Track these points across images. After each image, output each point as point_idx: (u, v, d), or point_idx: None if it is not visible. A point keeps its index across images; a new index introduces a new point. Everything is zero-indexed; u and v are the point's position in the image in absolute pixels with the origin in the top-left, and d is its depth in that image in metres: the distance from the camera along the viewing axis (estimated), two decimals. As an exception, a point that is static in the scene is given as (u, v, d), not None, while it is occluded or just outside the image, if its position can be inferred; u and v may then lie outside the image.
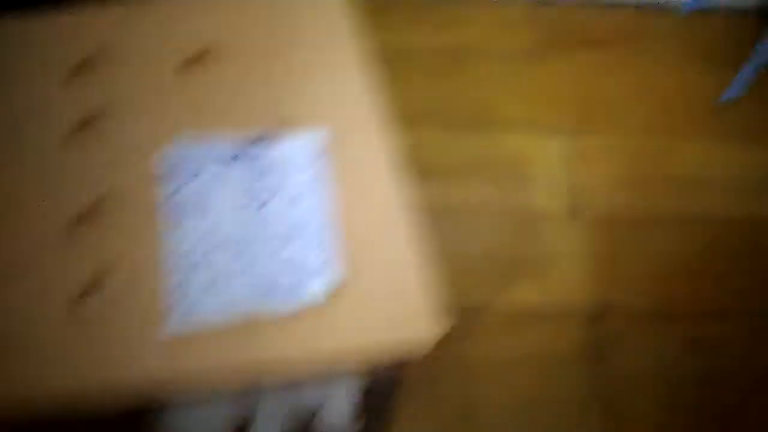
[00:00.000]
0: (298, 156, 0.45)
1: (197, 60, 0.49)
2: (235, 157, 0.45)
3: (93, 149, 0.46)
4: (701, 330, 1.24)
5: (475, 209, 1.34)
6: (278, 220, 0.44)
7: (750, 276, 1.33)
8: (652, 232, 1.36)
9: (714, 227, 1.38)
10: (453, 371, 1.10)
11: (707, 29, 1.67)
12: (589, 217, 1.37)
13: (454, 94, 1.51)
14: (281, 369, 0.40)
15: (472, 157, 1.39)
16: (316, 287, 0.42)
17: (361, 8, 0.61)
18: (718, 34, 1.67)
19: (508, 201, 1.34)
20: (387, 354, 0.42)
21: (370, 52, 0.53)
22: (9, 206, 0.42)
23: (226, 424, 0.79)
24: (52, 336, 0.39)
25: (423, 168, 1.37)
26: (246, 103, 0.48)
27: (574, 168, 1.43)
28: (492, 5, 1.62)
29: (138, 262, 0.42)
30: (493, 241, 1.30)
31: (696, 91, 1.60)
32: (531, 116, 1.50)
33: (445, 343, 0.97)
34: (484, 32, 1.58)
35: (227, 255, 0.43)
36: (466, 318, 1.16)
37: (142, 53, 0.47)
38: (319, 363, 0.40)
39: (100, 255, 0.42)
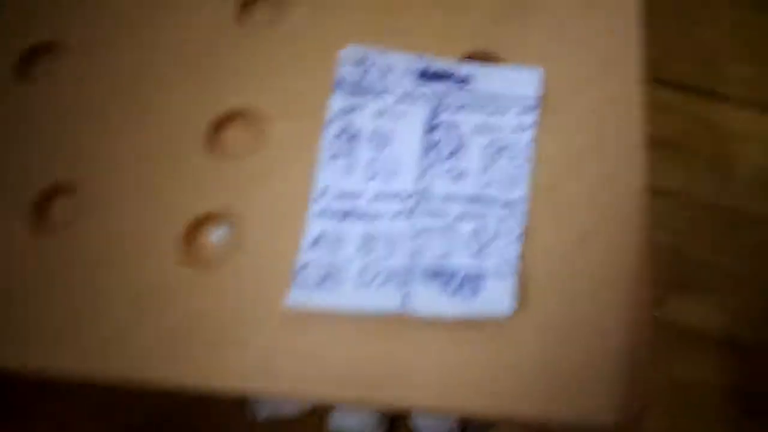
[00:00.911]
0: (509, 97, 0.37)
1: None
2: (430, 78, 0.38)
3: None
4: None
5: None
6: (472, 180, 0.35)
7: None
8: None
9: None
10: None
11: None
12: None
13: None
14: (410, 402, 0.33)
15: (669, 127, 1.04)
16: (501, 293, 0.33)
17: None
18: None
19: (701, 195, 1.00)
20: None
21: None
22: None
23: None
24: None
25: None
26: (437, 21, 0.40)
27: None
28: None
29: (277, 202, 0.37)
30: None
31: None
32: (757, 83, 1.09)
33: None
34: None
35: (390, 209, 0.35)
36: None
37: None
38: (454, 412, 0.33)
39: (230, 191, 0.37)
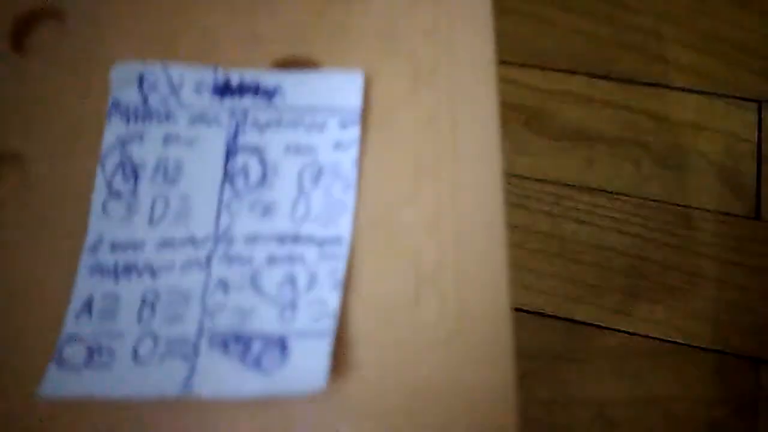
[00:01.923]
0: (326, 109, 0.30)
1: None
2: (229, 92, 0.30)
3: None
4: None
5: (604, 198, 0.92)
6: (283, 214, 0.29)
7: None
8: None
9: None
10: None
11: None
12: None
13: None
14: None
15: (618, 121, 0.96)
16: (312, 360, 0.25)
17: None
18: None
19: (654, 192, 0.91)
20: None
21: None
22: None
23: None
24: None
25: (546, 128, 0.97)
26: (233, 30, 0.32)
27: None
28: None
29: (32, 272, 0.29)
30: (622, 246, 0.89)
31: None
32: (709, 69, 1.00)
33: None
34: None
35: (179, 259, 0.28)
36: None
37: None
38: None
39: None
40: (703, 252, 0.90)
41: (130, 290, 0.28)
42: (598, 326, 0.87)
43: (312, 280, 0.27)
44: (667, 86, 1.01)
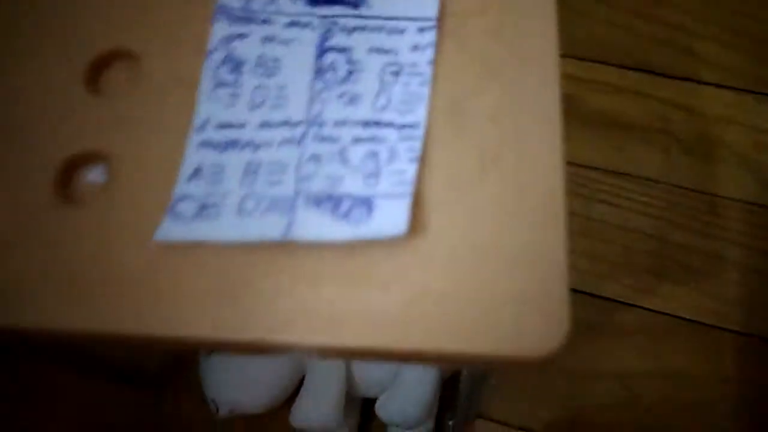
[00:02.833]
0: (406, 17, 0.34)
1: None
2: (321, 1, 0.35)
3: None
4: None
5: (632, 182, 0.96)
6: (366, 104, 0.33)
7: None
8: None
9: None
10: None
11: None
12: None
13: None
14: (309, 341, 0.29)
15: (648, 111, 1.00)
16: (394, 214, 0.30)
17: None
18: None
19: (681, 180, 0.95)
20: (481, 358, 0.29)
21: None
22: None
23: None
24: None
25: (579, 115, 1.01)
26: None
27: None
28: None
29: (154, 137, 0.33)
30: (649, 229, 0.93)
31: None
32: (738, 66, 1.03)
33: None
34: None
35: (277, 137, 0.32)
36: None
37: None
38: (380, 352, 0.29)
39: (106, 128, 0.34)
40: (727, 238, 0.93)
41: (234, 161, 0.32)
42: (623, 303, 0.90)
43: (392, 156, 0.31)
44: (697, 81, 1.04)
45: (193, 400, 0.88)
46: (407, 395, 0.74)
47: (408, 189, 0.30)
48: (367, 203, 0.30)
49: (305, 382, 0.77)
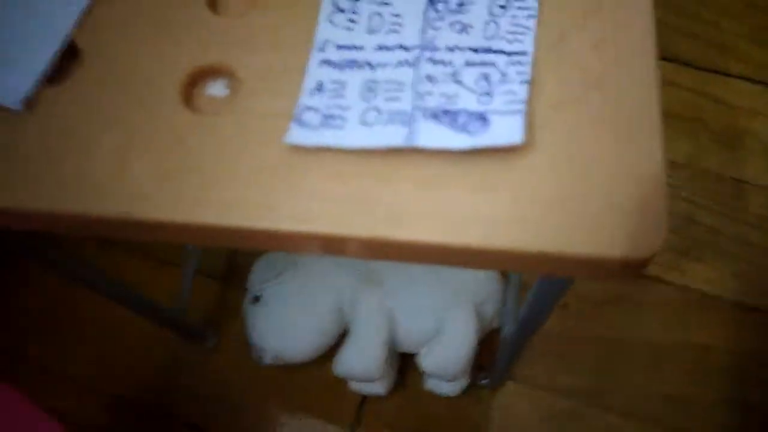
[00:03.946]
0: None
1: None
2: None
3: None
4: None
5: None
6: (477, 32, 0.35)
7: None
8: None
9: None
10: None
11: None
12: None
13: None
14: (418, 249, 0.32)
15: (679, 100, 1.03)
16: (510, 126, 0.32)
17: None
18: None
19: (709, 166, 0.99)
20: (570, 267, 0.32)
21: None
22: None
23: (330, 317, 0.80)
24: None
25: None
26: None
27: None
28: None
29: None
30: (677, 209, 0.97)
31: None
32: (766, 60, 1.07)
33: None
34: None
35: (393, 59, 0.36)
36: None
37: None
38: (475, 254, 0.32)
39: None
40: (752, 222, 0.96)
41: (354, 78, 0.35)
42: (651, 277, 0.93)
43: (503, 78, 0.34)
44: (726, 73, 1.08)
45: (234, 349, 0.91)
46: (449, 348, 0.77)
47: (521, 107, 0.33)
48: (482, 118, 0.33)
49: (349, 332, 0.79)
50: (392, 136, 0.33)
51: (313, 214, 0.32)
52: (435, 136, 0.33)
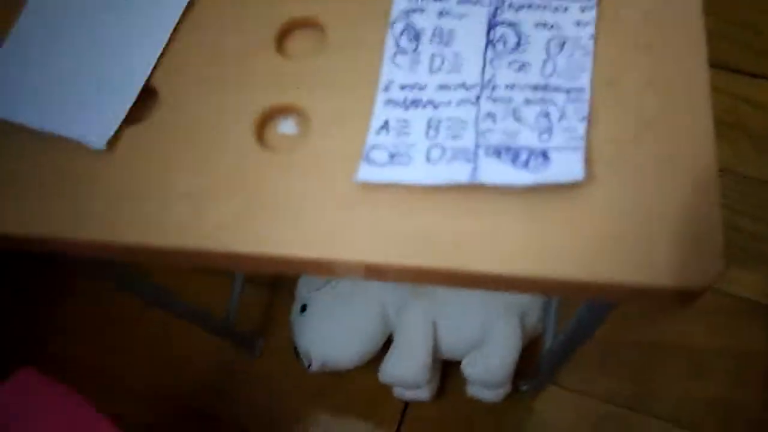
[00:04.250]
0: None
1: None
2: None
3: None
4: None
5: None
6: (535, 70, 0.37)
7: None
8: None
9: None
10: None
11: None
12: None
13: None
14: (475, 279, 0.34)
15: (718, 104, 0.99)
16: (571, 162, 0.34)
17: None
18: None
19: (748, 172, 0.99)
20: (625, 296, 0.34)
21: None
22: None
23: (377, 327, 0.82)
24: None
25: None
26: None
27: None
28: None
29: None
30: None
31: None
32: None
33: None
34: None
35: (455, 97, 0.37)
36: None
37: None
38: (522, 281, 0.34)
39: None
40: (793, 228, 0.96)
41: (417, 116, 0.37)
42: (690, 286, 0.93)
43: (562, 115, 0.36)
44: (765, 77, 1.07)
45: (280, 355, 0.93)
46: (494, 357, 0.79)
47: (580, 143, 0.35)
48: (543, 154, 0.35)
49: (395, 340, 0.81)
50: (456, 172, 0.35)
51: (380, 248, 0.34)
52: (498, 173, 0.34)
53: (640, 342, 0.90)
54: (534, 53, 0.38)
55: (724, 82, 1.07)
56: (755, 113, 1.06)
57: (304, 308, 0.84)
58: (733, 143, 1.03)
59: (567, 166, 0.34)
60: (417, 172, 0.35)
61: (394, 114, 0.37)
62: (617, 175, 0.35)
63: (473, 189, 0.35)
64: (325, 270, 0.36)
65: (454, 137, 0.36)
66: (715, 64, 0.96)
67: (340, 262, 0.35)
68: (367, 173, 0.36)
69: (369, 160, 0.36)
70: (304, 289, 0.85)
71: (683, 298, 0.33)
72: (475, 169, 0.35)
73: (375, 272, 0.35)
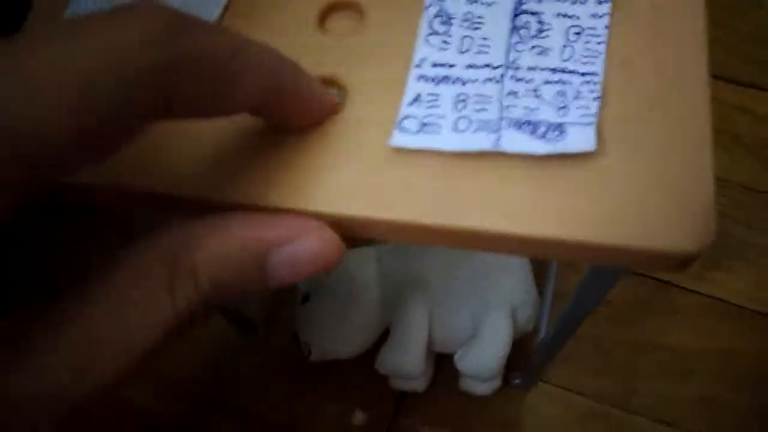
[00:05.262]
0: None
1: None
2: None
3: None
4: None
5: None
6: (554, 55, 0.41)
7: None
8: None
9: None
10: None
11: None
12: None
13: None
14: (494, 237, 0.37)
15: (714, 112, 1.12)
16: (584, 135, 0.37)
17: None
18: None
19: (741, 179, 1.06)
20: (639, 251, 0.36)
21: None
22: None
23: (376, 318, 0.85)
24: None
25: None
26: None
27: None
28: None
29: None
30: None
31: None
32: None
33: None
34: None
35: (481, 76, 0.41)
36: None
37: None
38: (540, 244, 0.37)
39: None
40: (782, 236, 1.01)
41: (447, 91, 0.41)
42: (678, 286, 0.98)
43: (577, 95, 0.40)
44: (762, 88, 1.12)
45: (282, 340, 0.96)
46: (485, 350, 0.82)
47: (593, 119, 0.38)
48: (560, 128, 0.38)
49: (392, 331, 0.85)
50: (481, 141, 0.38)
51: (399, 205, 0.38)
52: (519, 142, 0.38)
53: (627, 341, 0.94)
54: (554, 40, 0.42)
55: (720, 92, 1.12)
56: (749, 121, 1.11)
57: (304, 298, 0.87)
58: (726, 149, 1.08)
59: (581, 138, 0.38)
60: (445, 140, 0.39)
61: (426, 88, 0.41)
62: (626, 149, 0.38)
63: (497, 156, 0.38)
64: (359, 227, 0.39)
65: (480, 111, 0.40)
66: (714, 74, 1.01)
67: (373, 219, 0.38)
68: (399, 139, 0.39)
69: (402, 129, 0.40)
70: (305, 280, 0.88)
71: (681, 261, 0.36)
72: (498, 138, 0.38)
73: (401, 232, 0.39)
